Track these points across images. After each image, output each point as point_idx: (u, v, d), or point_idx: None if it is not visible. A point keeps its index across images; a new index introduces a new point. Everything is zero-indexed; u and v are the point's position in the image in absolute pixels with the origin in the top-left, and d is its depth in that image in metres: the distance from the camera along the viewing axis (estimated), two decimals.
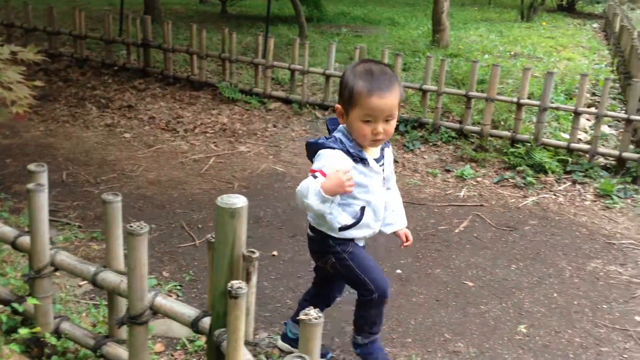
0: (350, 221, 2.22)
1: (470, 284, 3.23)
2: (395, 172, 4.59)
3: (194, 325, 1.91)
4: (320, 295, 2.53)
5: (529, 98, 5.03)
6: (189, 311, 1.93)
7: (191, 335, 2.56)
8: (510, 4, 14.87)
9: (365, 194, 2.18)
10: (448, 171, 4.66)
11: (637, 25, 9.32)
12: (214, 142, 4.97)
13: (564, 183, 4.50)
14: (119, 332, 2.20)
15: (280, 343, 2.58)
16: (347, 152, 2.12)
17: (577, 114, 4.62)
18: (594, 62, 8.00)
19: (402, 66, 6.45)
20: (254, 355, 1.85)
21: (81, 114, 5.51)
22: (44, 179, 2.13)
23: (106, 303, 2.29)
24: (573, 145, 4.64)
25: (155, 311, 1.98)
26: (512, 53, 7.71)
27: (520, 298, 3.11)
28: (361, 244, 2.34)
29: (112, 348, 2.17)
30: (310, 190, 2.04)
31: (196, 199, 4.00)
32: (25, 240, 2.21)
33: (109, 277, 2.06)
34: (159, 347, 2.49)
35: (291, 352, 2.36)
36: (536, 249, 3.62)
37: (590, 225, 3.94)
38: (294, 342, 2.54)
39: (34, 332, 2.18)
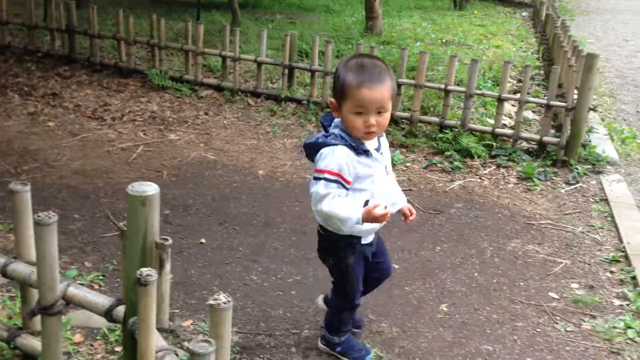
0: None
1: (396, 266, 3.30)
2: None
3: (107, 314, 1.88)
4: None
5: (458, 85, 5.16)
6: (103, 300, 1.90)
7: (112, 325, 2.53)
8: None
9: (371, 184, 2.20)
10: None
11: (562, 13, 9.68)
12: (142, 131, 4.88)
13: (489, 167, 4.65)
14: (33, 324, 2.15)
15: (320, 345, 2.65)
16: (350, 146, 2.14)
17: (500, 100, 4.77)
18: (521, 49, 8.26)
19: (335, 53, 6.52)
20: (171, 342, 1.85)
21: (2, 102, 5.29)
22: None
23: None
24: (497, 130, 4.79)
25: (69, 301, 1.95)
26: (444, 41, 7.87)
27: (443, 278, 3.21)
28: (369, 239, 2.37)
29: (26, 340, 2.12)
30: (350, 217, 2.12)
31: (122, 188, 3.92)
32: None
33: (19, 268, 2.00)
34: (78, 337, 2.45)
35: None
36: (460, 230, 3.73)
37: (512, 207, 4.09)
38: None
39: None
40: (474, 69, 4.72)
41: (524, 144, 4.88)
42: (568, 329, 2.84)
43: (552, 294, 3.11)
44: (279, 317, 2.80)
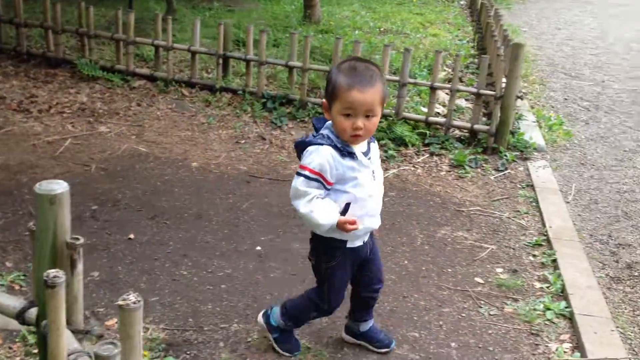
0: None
1: None
2: (263, 149, 4.66)
3: (19, 316, 1.82)
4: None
5: (394, 74, 5.21)
6: (14, 302, 1.84)
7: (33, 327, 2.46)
8: None
9: (354, 187, 2.21)
10: None
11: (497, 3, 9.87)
12: (71, 123, 4.73)
13: (423, 155, 4.73)
14: None
15: (344, 335, 2.67)
16: (335, 147, 2.16)
17: (433, 89, 4.85)
18: (457, 38, 8.39)
19: (272, 42, 6.48)
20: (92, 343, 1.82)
21: None
22: None
23: None
24: (431, 118, 4.87)
25: None
26: (382, 29, 7.92)
27: None
28: (357, 243, 2.34)
29: None
30: (324, 223, 2.17)
31: None
32: None
33: None
34: None
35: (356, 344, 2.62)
36: (393, 219, 3.79)
37: (444, 194, 4.18)
38: (357, 336, 2.64)
39: None
40: (407, 58, 4.78)
41: (457, 132, 4.99)
42: (491, 313, 2.94)
43: (477, 279, 3.21)
44: (208, 312, 2.79)
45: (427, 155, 4.73)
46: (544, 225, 3.73)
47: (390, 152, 4.66)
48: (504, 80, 4.73)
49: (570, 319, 2.87)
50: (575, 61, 8.11)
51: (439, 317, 2.89)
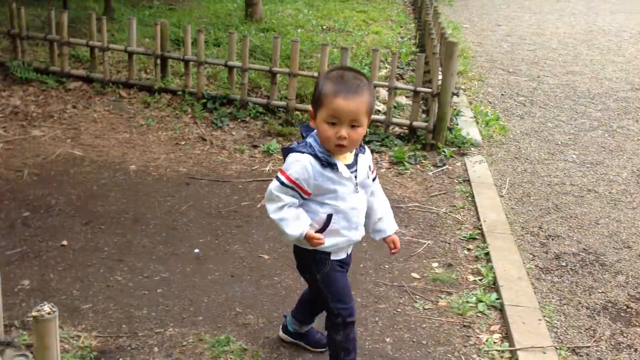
0: (315, 229, 2.18)
1: (266, 256, 3.34)
2: (204, 150, 4.63)
3: None
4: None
5: None
6: None
7: None
8: None
9: (334, 200, 2.16)
10: (255, 147, 4.73)
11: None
12: (3, 127, 4.59)
13: None
14: None
15: (281, 334, 2.67)
16: (316, 157, 2.10)
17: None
18: (399, 35, 8.52)
19: (213, 41, 6.43)
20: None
21: None
22: None
23: None
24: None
25: None
26: (325, 27, 7.96)
27: None
28: (341, 256, 2.31)
29: None
30: (290, 233, 2.15)
31: None
32: None
33: None
34: None
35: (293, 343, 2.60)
36: None
37: (384, 191, 4.22)
38: (294, 334, 2.63)
39: None
40: (345, 56, 4.82)
41: (397, 129, 5.06)
42: (426, 307, 3.01)
43: (414, 274, 3.27)
44: (143, 317, 2.76)
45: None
46: (478, 219, 3.84)
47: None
48: (440, 77, 4.83)
49: (501, 310, 2.96)
50: (513, 57, 8.34)
51: (375, 313, 2.94)
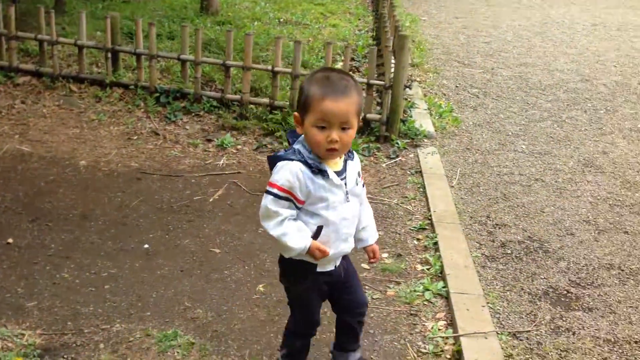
0: None
1: (217, 250, 3.35)
2: (156, 144, 4.59)
3: None
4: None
5: (290, 65, 5.25)
6: None
7: None
8: None
9: (325, 210, 2.06)
10: (209, 141, 4.72)
11: None
12: None
13: None
14: None
15: None
16: (305, 163, 2.01)
17: None
18: (357, 28, 8.56)
19: (167, 34, 6.36)
20: None
21: None
22: None
23: None
24: None
25: None
26: (282, 20, 7.95)
27: (263, 259, 3.30)
28: (328, 267, 2.19)
29: None
30: (295, 247, 2.05)
31: None
32: None
33: None
34: None
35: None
36: None
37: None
38: None
39: None
40: (298, 50, 4.84)
41: None
42: (374, 297, 3.06)
43: (363, 265, 3.32)
44: (89, 314, 2.75)
45: None
46: (429, 209, 3.90)
47: (286, 143, 4.71)
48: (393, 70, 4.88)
49: (447, 298, 3.03)
50: (469, 49, 8.46)
51: (324, 304, 2.95)
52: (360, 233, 2.27)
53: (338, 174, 2.07)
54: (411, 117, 5.25)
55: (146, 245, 3.32)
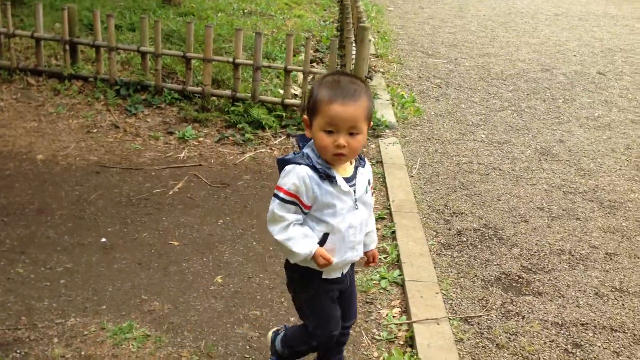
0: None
1: (176, 243, 3.36)
2: (117, 137, 4.56)
3: None
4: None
5: (245, 57, 5.24)
6: None
7: None
8: None
9: (332, 217, 2.02)
10: (171, 133, 4.70)
11: None
12: None
13: (280, 137, 4.83)
14: None
15: None
16: (314, 168, 1.97)
17: (287, 71, 4.94)
18: (322, 19, 8.57)
19: (128, 26, 6.29)
20: None
21: None
22: None
23: None
24: (287, 101, 4.98)
25: None
26: (246, 11, 7.91)
27: (222, 251, 3.32)
28: (334, 275, 2.15)
29: None
30: (300, 252, 2.00)
31: None
32: None
33: None
34: None
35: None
36: (245, 202, 3.86)
37: None
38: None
39: None
40: (259, 41, 4.83)
41: None
42: None
43: None
44: (44, 309, 2.74)
45: (284, 137, 4.83)
46: (388, 199, 3.96)
47: (248, 135, 4.72)
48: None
49: (402, 285, 3.09)
50: (433, 40, 8.55)
51: (282, 294, 3.01)
52: (365, 238, 2.21)
53: (347, 180, 2.03)
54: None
55: (104, 239, 3.31)
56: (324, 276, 2.12)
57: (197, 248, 3.32)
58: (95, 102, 4.93)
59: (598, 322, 2.91)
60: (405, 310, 2.91)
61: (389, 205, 3.86)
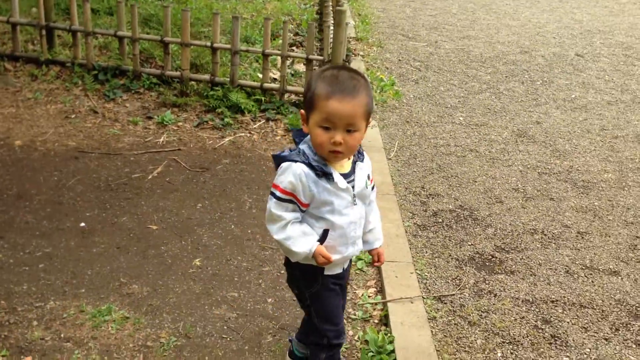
0: None
1: (155, 227, 3.38)
2: (95, 123, 4.55)
3: None
4: None
5: (222, 41, 5.24)
6: None
7: None
8: None
9: (330, 214, 1.98)
10: (150, 118, 4.70)
11: None
12: None
13: (259, 121, 4.85)
14: None
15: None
16: (309, 165, 1.93)
17: (265, 55, 4.95)
18: (303, 2, 8.54)
19: (106, 10, 6.24)
20: None
21: None
22: None
23: None
24: (265, 85, 4.99)
25: None
26: None
27: (200, 234, 3.36)
28: (336, 271, 2.13)
29: None
30: (299, 252, 1.97)
31: None
32: None
33: None
34: None
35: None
36: (224, 186, 3.89)
37: None
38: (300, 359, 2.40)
39: None
40: (237, 26, 4.83)
41: (292, 97, 5.15)
42: None
43: None
44: (23, 293, 2.76)
45: (264, 121, 4.86)
46: None
47: (227, 119, 4.74)
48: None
49: (378, 266, 3.15)
50: (414, 22, 8.57)
51: (259, 276, 3.06)
52: (367, 235, 2.18)
53: (345, 176, 1.99)
54: None
55: (82, 224, 3.33)
56: (325, 272, 2.10)
57: (176, 232, 3.35)
58: (74, 88, 4.91)
59: (568, 299, 2.99)
60: (381, 290, 2.97)
61: None
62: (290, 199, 1.96)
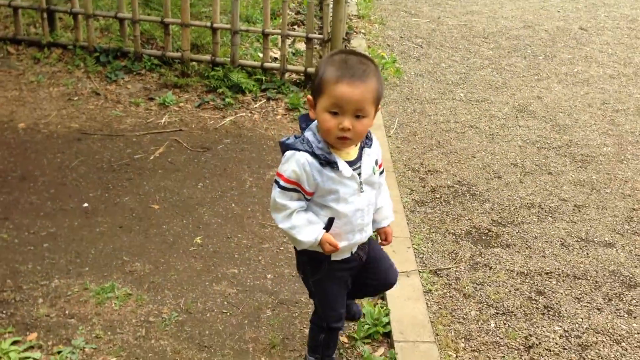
0: None
1: (156, 206, 3.45)
2: (97, 105, 4.60)
3: None
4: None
5: (223, 21, 5.24)
6: None
7: None
8: None
9: (335, 202, 1.96)
10: (151, 99, 4.74)
11: None
12: None
13: (260, 101, 4.88)
14: None
15: None
16: (313, 154, 1.90)
17: (265, 35, 4.96)
18: None
19: None
20: None
21: None
22: None
23: None
24: (266, 64, 5.01)
25: None
26: None
27: (201, 213, 3.42)
28: (343, 256, 2.10)
29: None
30: (304, 240, 1.98)
31: None
32: None
33: None
34: None
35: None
36: (225, 165, 3.94)
37: (277, 137, 4.38)
38: None
39: None
40: (236, 5, 4.84)
41: (293, 76, 5.17)
42: None
43: None
44: (28, 272, 2.84)
45: (264, 100, 4.89)
46: None
47: (228, 99, 4.77)
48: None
49: None
50: None
51: (259, 253, 3.12)
52: (375, 214, 2.15)
53: (351, 163, 1.96)
54: None
55: (85, 204, 3.40)
56: (332, 258, 2.09)
57: (177, 211, 3.42)
58: (76, 70, 4.96)
59: (562, 270, 3.04)
60: None
61: None
62: (295, 187, 1.94)
